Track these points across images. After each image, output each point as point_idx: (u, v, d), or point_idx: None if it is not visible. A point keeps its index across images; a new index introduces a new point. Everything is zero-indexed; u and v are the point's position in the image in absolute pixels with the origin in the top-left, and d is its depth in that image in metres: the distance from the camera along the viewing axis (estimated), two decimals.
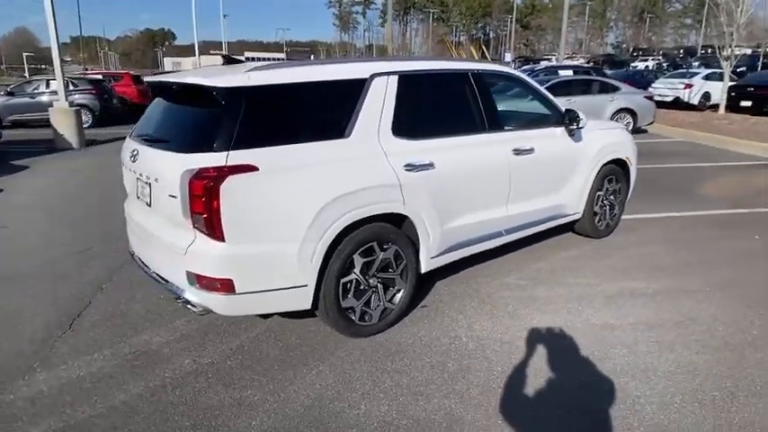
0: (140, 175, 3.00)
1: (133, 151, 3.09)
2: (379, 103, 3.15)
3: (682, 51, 56.43)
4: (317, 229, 2.82)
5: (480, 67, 3.90)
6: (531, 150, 3.97)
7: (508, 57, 51.73)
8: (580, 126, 4.30)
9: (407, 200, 3.19)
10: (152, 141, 2.97)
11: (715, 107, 17.48)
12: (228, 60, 3.31)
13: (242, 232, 2.65)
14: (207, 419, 2.50)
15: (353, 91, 3.09)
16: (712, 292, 3.83)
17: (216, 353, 3.10)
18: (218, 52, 55.14)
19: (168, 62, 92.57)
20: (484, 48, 49.68)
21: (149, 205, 3.04)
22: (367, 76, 3.15)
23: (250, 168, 2.62)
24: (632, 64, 41.99)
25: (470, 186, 3.62)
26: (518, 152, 3.90)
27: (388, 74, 3.23)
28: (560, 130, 4.32)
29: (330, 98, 3.05)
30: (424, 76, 3.49)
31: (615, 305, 3.64)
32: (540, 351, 3.07)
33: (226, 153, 2.60)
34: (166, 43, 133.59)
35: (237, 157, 2.61)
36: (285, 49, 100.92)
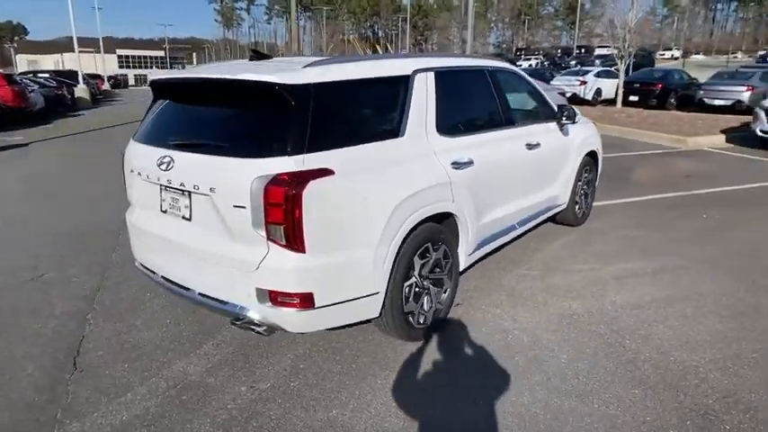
0: (178, 184, 2.69)
1: (162, 158, 2.75)
2: (424, 101, 3.14)
3: (560, 51, 62.16)
4: (388, 232, 2.75)
5: (492, 63, 4.04)
6: (538, 145, 4.20)
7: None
8: (576, 121, 4.62)
9: (456, 198, 3.21)
10: (195, 147, 2.68)
11: (606, 102, 19.57)
12: (258, 56, 3.07)
13: (322, 241, 2.50)
14: None
15: (401, 88, 3.05)
16: (700, 267, 4.33)
17: (271, 375, 2.88)
18: (88, 50, 50.00)
19: (22, 60, 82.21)
20: (388, 45, 50.57)
21: (188, 218, 2.74)
22: (410, 72, 3.12)
23: (327, 172, 2.47)
24: (517, 63, 45.47)
25: (498, 182, 3.74)
26: (530, 146, 4.10)
27: (427, 70, 3.23)
28: (554, 125, 4.61)
29: (383, 95, 2.98)
30: (455, 72, 3.54)
31: (628, 286, 3.97)
32: (592, 335, 3.26)
33: (302, 156, 2.43)
34: (16, 38, 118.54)
35: (314, 161, 2.46)
36: (165, 46, 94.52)
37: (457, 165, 3.24)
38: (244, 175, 2.43)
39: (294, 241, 2.43)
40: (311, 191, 2.40)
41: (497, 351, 3.10)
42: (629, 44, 16.25)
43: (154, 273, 3.07)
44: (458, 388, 2.75)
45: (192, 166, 2.64)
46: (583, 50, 59.12)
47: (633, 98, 17.96)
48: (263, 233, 2.45)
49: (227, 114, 2.75)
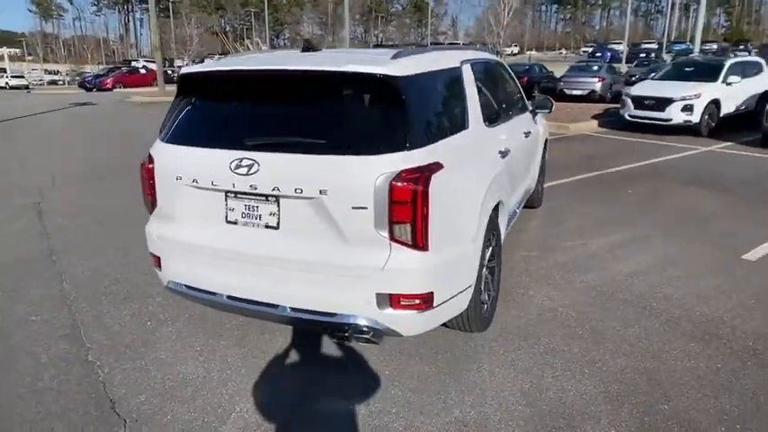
0: (268, 190, 2.40)
1: (240, 162, 2.42)
2: (473, 91, 3.19)
3: (414, 47, 65.42)
4: (481, 222, 2.76)
5: (489, 56, 4.20)
6: (529, 133, 4.49)
7: None
8: (551, 111, 5.01)
9: (503, 185, 3.32)
10: (287, 147, 2.40)
11: None
12: (310, 48, 2.82)
13: (440, 237, 2.42)
14: None
15: (458, 79, 3.06)
16: (662, 234, 4.99)
17: (369, 389, 2.73)
18: None
19: None
20: (259, 41, 48.46)
21: (274, 227, 2.46)
22: (458, 64, 3.14)
23: (439, 166, 2.41)
24: None
25: (516, 169, 3.93)
26: (526, 134, 4.36)
27: (466, 62, 3.28)
28: (529, 114, 4.95)
29: (451, 87, 2.96)
30: (482, 63, 3.63)
31: (623, 257, 4.44)
32: (622, 303, 3.61)
33: (417, 151, 2.34)
34: None
35: (427, 155, 2.37)
36: None
37: (502, 153, 3.35)
38: (364, 174, 2.26)
39: (419, 240, 2.33)
40: (434, 186, 2.32)
41: (559, 328, 3.29)
42: (502, 40, 17.87)
43: (212, 293, 2.69)
44: (550, 369, 2.88)
45: (287, 169, 2.37)
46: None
47: None
48: (386, 234, 2.31)
49: (323, 109, 2.50)
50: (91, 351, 3.10)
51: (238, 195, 2.50)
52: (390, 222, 2.28)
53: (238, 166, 2.42)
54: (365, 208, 2.27)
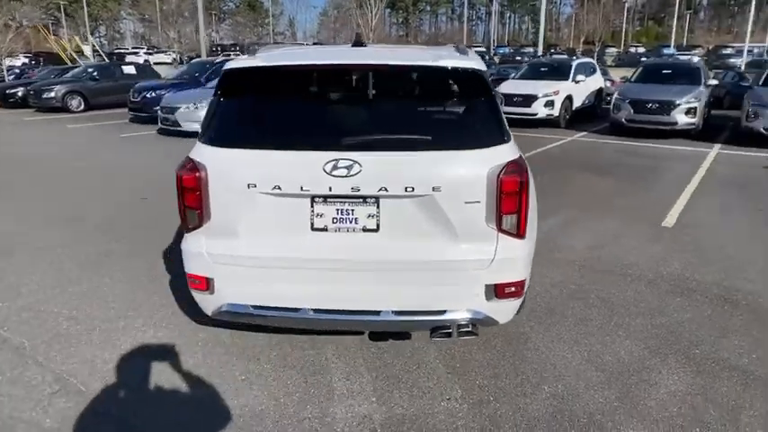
0: (374, 190, 2.29)
1: (336, 163, 2.26)
2: None
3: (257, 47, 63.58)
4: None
5: None
6: None
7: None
8: None
9: None
10: (389, 145, 2.30)
11: None
12: (360, 43, 2.68)
13: (531, 225, 2.55)
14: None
15: None
16: (595, 213, 5.72)
17: (449, 385, 2.74)
18: None
19: None
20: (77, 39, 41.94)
21: (373, 229, 2.36)
22: None
23: (521, 156, 2.53)
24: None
25: None
26: None
27: None
28: None
29: None
30: None
31: (574, 235, 5.01)
32: (609, 273, 4.11)
33: (511, 142, 2.44)
34: None
35: (515, 146, 2.49)
36: None
37: None
38: (477, 168, 2.29)
39: (521, 229, 2.43)
40: (530, 176, 2.45)
41: (572, 300, 3.65)
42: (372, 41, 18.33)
43: (294, 310, 2.46)
44: (595, 334, 3.19)
45: (395, 168, 2.28)
46: None
47: None
48: (494, 225, 2.37)
49: (422, 105, 2.44)
50: None
51: (329, 200, 2.34)
52: (499, 214, 2.35)
53: (335, 168, 2.27)
54: (478, 202, 2.31)
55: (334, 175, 2.28)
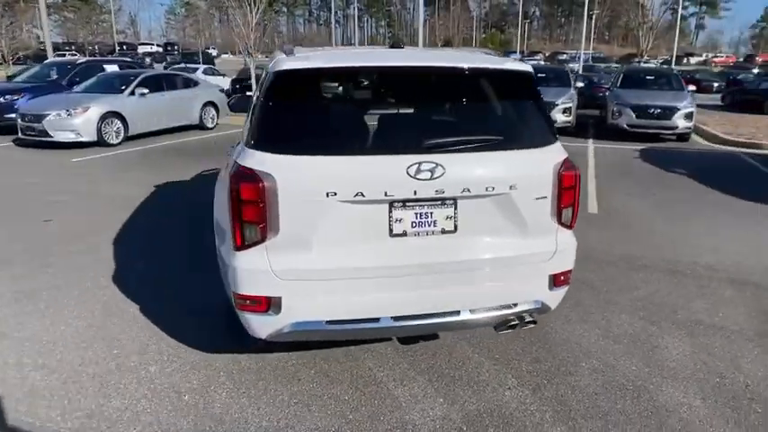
0: (458, 192, 2.33)
1: (420, 166, 2.25)
2: None
3: (97, 48, 57.54)
4: None
5: None
6: None
7: None
8: None
9: None
10: (465, 145, 2.34)
11: None
12: (397, 45, 2.64)
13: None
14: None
15: None
16: None
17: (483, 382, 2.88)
18: None
19: None
20: None
21: (451, 231, 2.40)
22: None
23: None
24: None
25: None
26: None
27: None
28: None
29: None
30: None
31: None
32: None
33: (558, 141, 2.64)
34: None
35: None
36: None
37: None
38: (544, 165, 2.45)
39: (573, 221, 2.65)
40: None
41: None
42: (252, 43, 17.59)
43: (373, 320, 2.39)
44: (645, 309, 3.56)
45: (476, 168, 2.34)
46: (125, 47, 57.03)
47: (250, 93, 19.60)
48: (555, 219, 2.55)
49: (488, 105, 2.50)
50: None
51: (407, 204, 2.33)
52: (559, 208, 2.54)
53: (419, 171, 2.27)
54: (545, 197, 2.47)
55: (418, 179, 2.28)
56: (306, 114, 2.39)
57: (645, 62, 31.24)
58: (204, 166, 8.27)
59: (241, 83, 19.82)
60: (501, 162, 2.43)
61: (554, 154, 2.52)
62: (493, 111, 2.61)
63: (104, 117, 10.10)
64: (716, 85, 25.85)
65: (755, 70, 32.75)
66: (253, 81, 18.49)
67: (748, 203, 6.40)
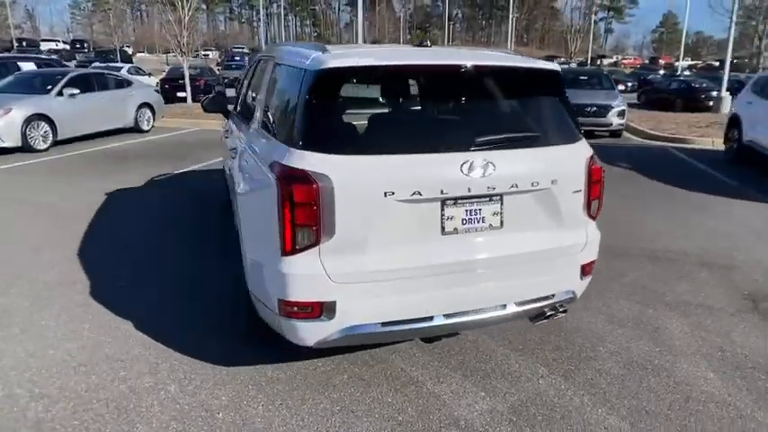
0: (506, 188, 2.39)
1: (472, 163, 2.29)
2: None
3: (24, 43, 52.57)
4: None
5: None
6: None
7: None
8: None
9: None
10: (511, 142, 2.39)
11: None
12: (423, 44, 2.64)
13: None
14: None
15: None
16: None
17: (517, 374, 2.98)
18: None
19: None
20: None
21: (497, 227, 2.45)
22: None
23: None
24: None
25: None
26: None
27: None
28: None
29: None
30: None
31: None
32: None
33: (583, 137, 2.77)
34: None
35: None
36: None
37: None
38: (578, 160, 2.56)
39: (598, 212, 2.79)
40: None
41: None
42: (186, 41, 16.76)
43: (427, 319, 2.40)
44: (609, 290, 3.76)
45: (522, 164, 2.41)
46: (24, 43, 52.44)
47: (181, 94, 18.77)
48: (586, 211, 2.68)
49: (524, 103, 2.56)
50: None
51: (458, 201, 2.35)
52: (589, 200, 2.67)
53: (471, 168, 2.30)
54: (579, 190, 2.59)
55: (471, 176, 2.31)
56: (355, 113, 2.36)
57: (580, 63, 33.30)
58: (154, 171, 7.84)
59: (171, 83, 18.95)
60: (544, 158, 2.52)
61: (584, 149, 2.65)
62: (529, 108, 2.70)
63: (29, 120, 9.29)
64: (630, 84, 27.92)
65: (661, 71, 35.78)
66: (187, 81, 17.72)
67: (690, 193, 7.00)
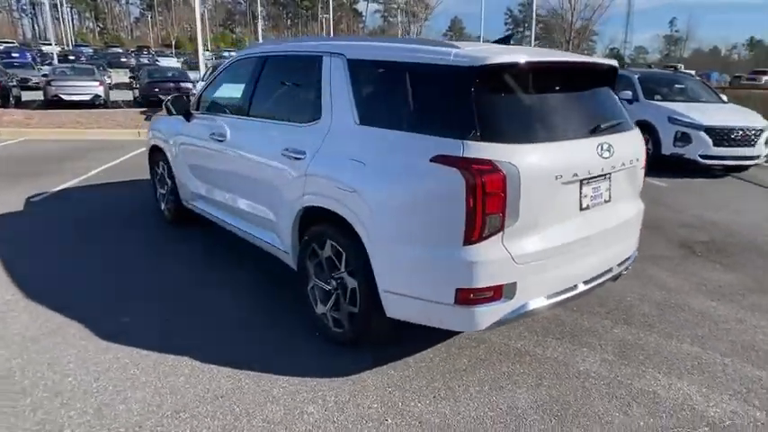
0: (618, 166, 2.82)
1: (602, 146, 2.68)
2: None
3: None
4: None
5: None
6: None
7: None
8: None
9: None
10: (616, 127, 2.88)
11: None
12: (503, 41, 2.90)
13: None
14: None
15: None
16: None
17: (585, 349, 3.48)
18: None
19: None
20: None
21: (608, 201, 2.88)
22: None
23: None
24: None
25: None
26: None
27: None
28: None
29: None
30: None
31: None
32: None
33: None
34: None
35: None
36: None
37: None
38: (642, 142, 3.15)
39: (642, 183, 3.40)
40: None
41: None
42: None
43: (573, 288, 2.72)
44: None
45: (628, 146, 2.88)
46: None
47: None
48: (641, 183, 3.26)
49: (608, 94, 2.99)
50: None
51: (590, 180, 2.70)
52: (643, 174, 3.27)
53: (602, 151, 2.68)
54: (643, 167, 3.16)
55: (604, 158, 2.68)
56: (520, 105, 2.53)
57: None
58: (25, 190, 6.50)
59: None
60: (634, 140, 3.05)
61: (640, 133, 3.23)
62: (612, 98, 3.14)
63: None
64: None
65: None
66: None
67: None
